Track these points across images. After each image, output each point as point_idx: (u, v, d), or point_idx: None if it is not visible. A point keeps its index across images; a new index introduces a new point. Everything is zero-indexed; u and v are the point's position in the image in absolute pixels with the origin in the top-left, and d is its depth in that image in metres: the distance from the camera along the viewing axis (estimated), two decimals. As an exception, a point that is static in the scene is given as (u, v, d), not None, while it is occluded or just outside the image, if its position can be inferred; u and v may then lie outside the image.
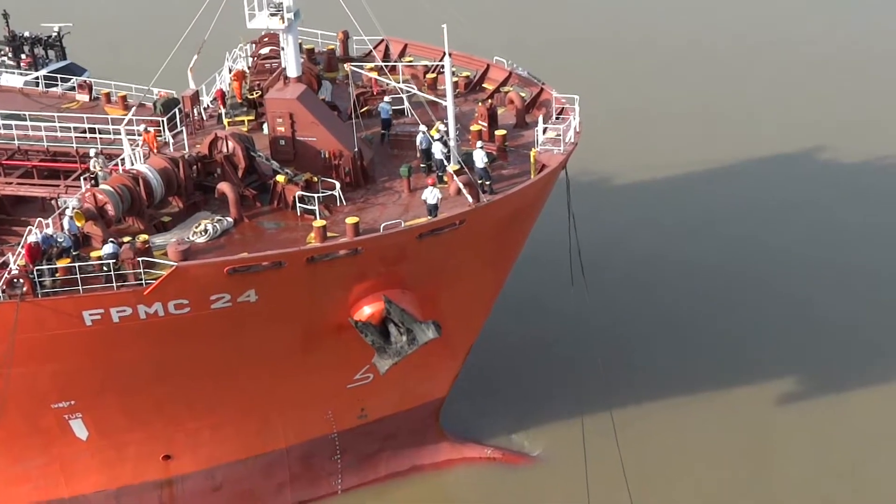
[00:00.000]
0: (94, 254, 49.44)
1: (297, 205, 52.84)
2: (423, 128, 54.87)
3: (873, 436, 63.25)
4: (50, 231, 50.29)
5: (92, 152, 57.07)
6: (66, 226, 50.25)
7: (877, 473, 60.80)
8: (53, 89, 74.28)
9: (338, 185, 53.59)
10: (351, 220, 50.27)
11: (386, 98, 59.19)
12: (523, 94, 60.55)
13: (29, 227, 50.64)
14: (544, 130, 55.65)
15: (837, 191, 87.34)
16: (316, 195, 52.37)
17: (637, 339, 70.43)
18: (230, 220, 52.65)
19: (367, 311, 51.80)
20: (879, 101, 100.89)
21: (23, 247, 48.90)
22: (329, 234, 50.62)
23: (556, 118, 57.43)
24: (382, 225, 50.44)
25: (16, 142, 62.04)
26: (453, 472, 61.80)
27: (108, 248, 49.02)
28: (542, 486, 60.31)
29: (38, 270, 48.12)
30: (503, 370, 67.48)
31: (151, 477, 57.18)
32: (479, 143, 54.38)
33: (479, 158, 53.33)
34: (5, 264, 49.23)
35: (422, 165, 55.33)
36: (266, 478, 58.97)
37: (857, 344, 70.21)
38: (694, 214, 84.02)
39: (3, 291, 48.24)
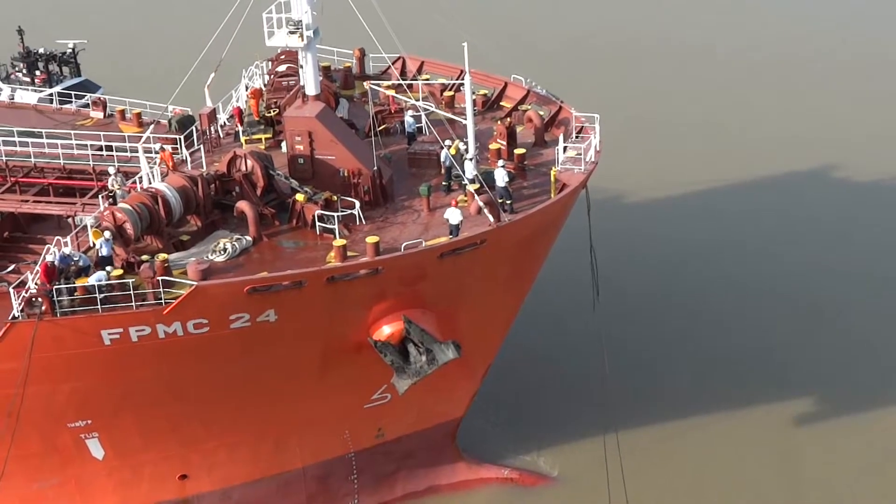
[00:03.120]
0: (113, 273, 49.05)
1: (317, 224, 52.54)
2: (448, 142, 54.56)
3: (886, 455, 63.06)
4: (68, 250, 50.02)
5: (111, 170, 56.79)
6: (97, 246, 49.83)
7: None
8: (67, 106, 74.20)
9: (357, 203, 53.27)
10: (371, 239, 49.92)
11: (410, 112, 58.90)
12: (542, 113, 60.30)
13: (47, 246, 50.36)
14: (564, 149, 55.32)
15: (858, 203, 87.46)
16: (335, 214, 52.05)
17: (658, 358, 70.13)
18: (249, 238, 52.31)
19: (386, 330, 51.39)
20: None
21: (39, 265, 48.63)
22: (349, 254, 50.31)
23: (576, 137, 57.14)
24: (403, 244, 50.12)
25: (32, 159, 61.79)
26: (470, 494, 61.28)
27: (97, 277, 48.49)
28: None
29: (56, 289, 47.83)
30: (522, 390, 67.08)
31: (167, 497, 56.83)
32: (500, 162, 54.07)
33: (501, 177, 53.03)
34: (23, 283, 48.88)
35: (443, 183, 55.02)
36: (282, 498, 58.55)
37: (875, 361, 69.84)
38: (713, 230, 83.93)
39: (22, 310, 47.97)
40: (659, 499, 60.08)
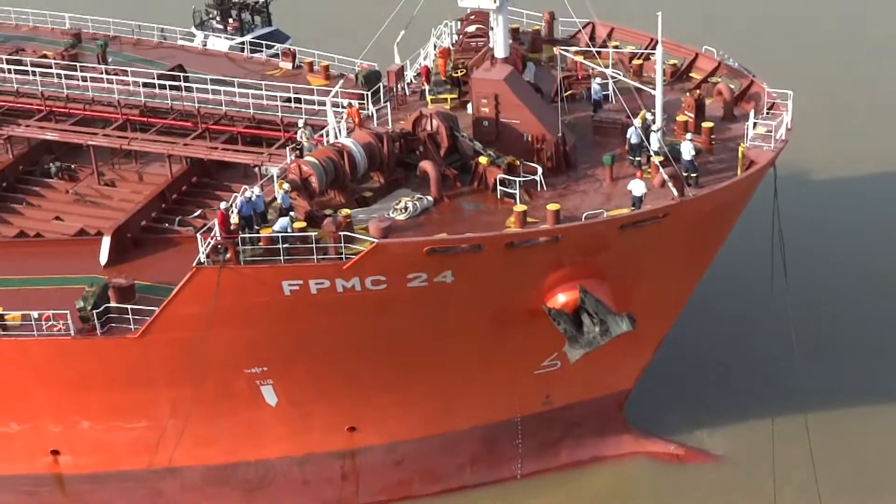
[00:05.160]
0: (296, 224, 49.80)
1: (498, 187, 52.42)
2: (637, 122, 53.66)
3: None
4: (249, 194, 50.51)
5: (300, 122, 57.55)
6: (279, 199, 50.60)
7: None
8: (258, 55, 75.57)
9: (539, 169, 52.95)
10: (552, 206, 49.69)
11: (597, 79, 58.25)
12: (732, 86, 58.90)
13: (234, 195, 51.28)
14: (754, 125, 54.03)
15: None
16: (517, 179, 51.86)
17: (837, 343, 67.66)
18: (430, 198, 52.54)
19: (561, 298, 51.16)
20: None
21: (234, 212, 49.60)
22: (529, 220, 50.16)
23: (767, 113, 55.75)
24: (584, 214, 49.74)
25: (223, 107, 63.11)
26: (634, 466, 60.82)
27: (281, 223, 49.23)
28: (725, 488, 58.81)
29: (241, 238, 48.80)
30: (692, 363, 65.96)
31: (336, 447, 57.71)
32: (688, 135, 53.10)
33: (687, 150, 52.04)
34: (210, 229, 49.91)
35: (630, 158, 54.08)
36: (447, 457, 59.02)
37: None
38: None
39: (208, 256, 49.06)
40: (844, 486, 58.27)
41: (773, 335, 60.88)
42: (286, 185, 50.64)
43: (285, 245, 48.52)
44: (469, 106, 56.81)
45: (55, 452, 56.79)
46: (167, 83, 64.80)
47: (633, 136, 53.65)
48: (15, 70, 68.22)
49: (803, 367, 59.51)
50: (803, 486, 56.90)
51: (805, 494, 56.56)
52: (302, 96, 62.00)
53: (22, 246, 58.94)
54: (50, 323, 51.67)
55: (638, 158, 53.59)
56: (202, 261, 49.17)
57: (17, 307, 52.63)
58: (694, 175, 52.24)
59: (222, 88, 63.30)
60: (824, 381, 63.86)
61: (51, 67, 67.45)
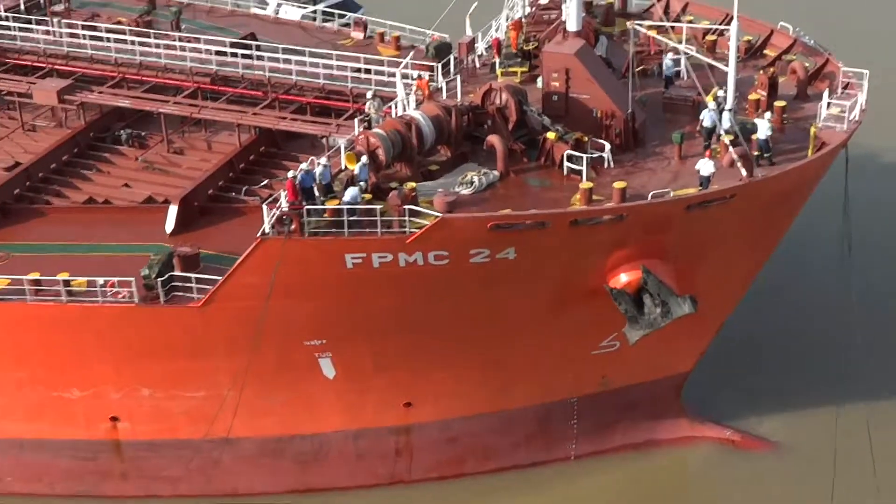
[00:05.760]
0: (364, 196, 49.61)
1: (565, 164, 51.88)
2: (712, 105, 52.51)
3: None
4: (315, 168, 50.43)
5: (369, 94, 57.30)
6: (356, 171, 50.12)
7: None
8: (329, 24, 75.30)
9: (607, 146, 52.32)
10: (619, 184, 49.07)
11: (670, 55, 57.33)
12: (807, 65, 57.73)
13: (301, 166, 51.01)
14: (828, 105, 52.95)
15: None
16: (584, 155, 51.27)
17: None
18: (496, 173, 52.12)
19: (623, 278, 50.54)
20: None
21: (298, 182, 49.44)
22: (594, 198, 49.59)
23: (841, 92, 54.59)
24: (650, 193, 49.08)
25: (293, 77, 62.97)
26: (689, 451, 59.94)
27: (351, 193, 49.01)
28: (781, 476, 57.87)
29: (307, 210, 48.69)
30: (751, 347, 64.80)
31: (390, 422, 57.51)
32: (767, 115, 52.14)
33: (764, 129, 51.06)
34: (276, 200, 49.81)
35: (704, 143, 52.81)
36: (501, 435, 58.61)
37: None
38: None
39: (273, 227, 49.02)
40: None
41: (836, 321, 59.48)
42: (364, 158, 50.37)
43: (350, 218, 48.44)
44: (539, 80, 56.19)
45: (114, 419, 57.18)
46: (239, 51, 64.84)
47: (706, 118, 52.54)
48: (90, 36, 68.51)
49: (865, 352, 58.22)
50: (862, 478, 55.86)
51: (863, 486, 55.58)
52: (372, 67, 61.68)
53: (90, 212, 59.26)
54: (114, 290, 52.09)
55: (709, 143, 52.59)
56: (266, 231, 49.16)
57: (82, 273, 53.02)
58: (767, 154, 51.31)
59: (293, 58, 63.11)
60: (887, 367, 62.56)
61: (125, 34, 67.77)
